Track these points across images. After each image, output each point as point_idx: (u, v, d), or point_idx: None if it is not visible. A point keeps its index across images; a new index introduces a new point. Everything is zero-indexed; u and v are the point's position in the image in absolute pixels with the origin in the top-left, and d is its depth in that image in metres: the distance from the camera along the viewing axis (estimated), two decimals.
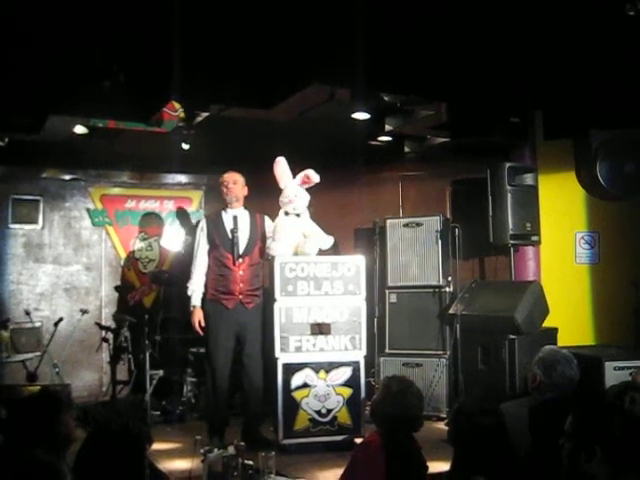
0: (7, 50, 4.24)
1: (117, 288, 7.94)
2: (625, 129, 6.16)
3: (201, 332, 5.51)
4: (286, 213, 5.50)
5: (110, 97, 4.83)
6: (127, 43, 4.38)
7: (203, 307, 5.54)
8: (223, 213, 5.67)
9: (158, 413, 6.47)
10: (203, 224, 5.69)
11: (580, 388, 3.56)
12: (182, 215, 8.25)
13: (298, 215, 5.50)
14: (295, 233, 5.49)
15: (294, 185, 5.48)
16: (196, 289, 5.54)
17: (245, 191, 5.71)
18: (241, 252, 5.51)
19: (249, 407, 5.55)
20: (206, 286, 5.54)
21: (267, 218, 5.72)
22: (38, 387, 5.64)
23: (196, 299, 5.54)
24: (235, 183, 5.64)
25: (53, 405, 2.74)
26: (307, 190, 5.51)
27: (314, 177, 5.45)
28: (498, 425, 2.70)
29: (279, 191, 5.53)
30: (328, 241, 5.59)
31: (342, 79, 4.82)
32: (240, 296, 5.48)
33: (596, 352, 5.49)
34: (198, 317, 5.50)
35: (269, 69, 4.73)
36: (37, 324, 7.26)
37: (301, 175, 5.48)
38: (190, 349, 6.70)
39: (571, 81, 5.06)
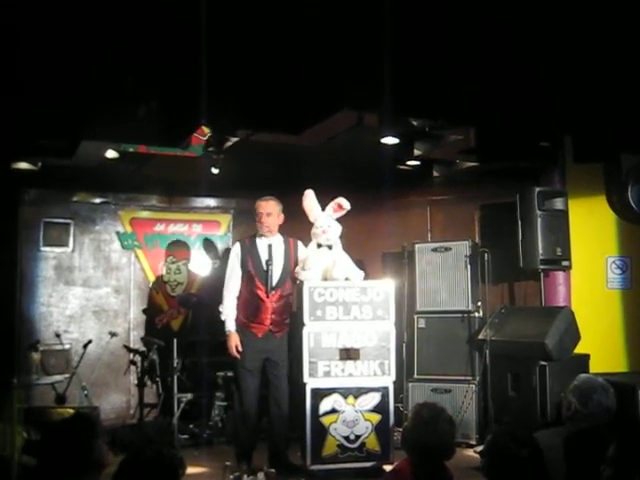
0: (42, 75, 4.31)
1: (145, 311, 7.97)
2: None
3: (238, 356, 5.45)
4: (319, 245, 5.45)
5: (142, 122, 4.89)
6: (160, 69, 4.44)
7: None
8: (258, 240, 5.58)
9: (186, 437, 6.47)
10: (238, 249, 5.59)
11: (617, 416, 3.49)
12: (210, 239, 8.28)
13: (330, 247, 5.45)
14: (325, 265, 5.45)
15: (325, 216, 5.45)
16: (230, 313, 5.50)
17: (281, 220, 5.60)
18: (274, 284, 5.46)
19: (275, 431, 5.52)
20: (236, 309, 5.51)
21: (300, 244, 5.65)
22: (68, 409, 5.65)
23: (230, 324, 5.49)
24: (269, 215, 5.52)
25: (90, 430, 2.73)
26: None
27: (346, 204, 5.42)
28: (535, 455, 2.65)
29: (307, 216, 5.51)
30: (358, 275, 5.52)
31: (371, 104, 4.82)
32: (270, 326, 5.47)
33: (629, 379, 5.38)
34: (235, 342, 5.44)
35: (298, 95, 4.75)
36: (66, 346, 7.33)
37: (332, 204, 5.45)
38: (218, 373, 6.70)
39: (601, 105, 5.02)
